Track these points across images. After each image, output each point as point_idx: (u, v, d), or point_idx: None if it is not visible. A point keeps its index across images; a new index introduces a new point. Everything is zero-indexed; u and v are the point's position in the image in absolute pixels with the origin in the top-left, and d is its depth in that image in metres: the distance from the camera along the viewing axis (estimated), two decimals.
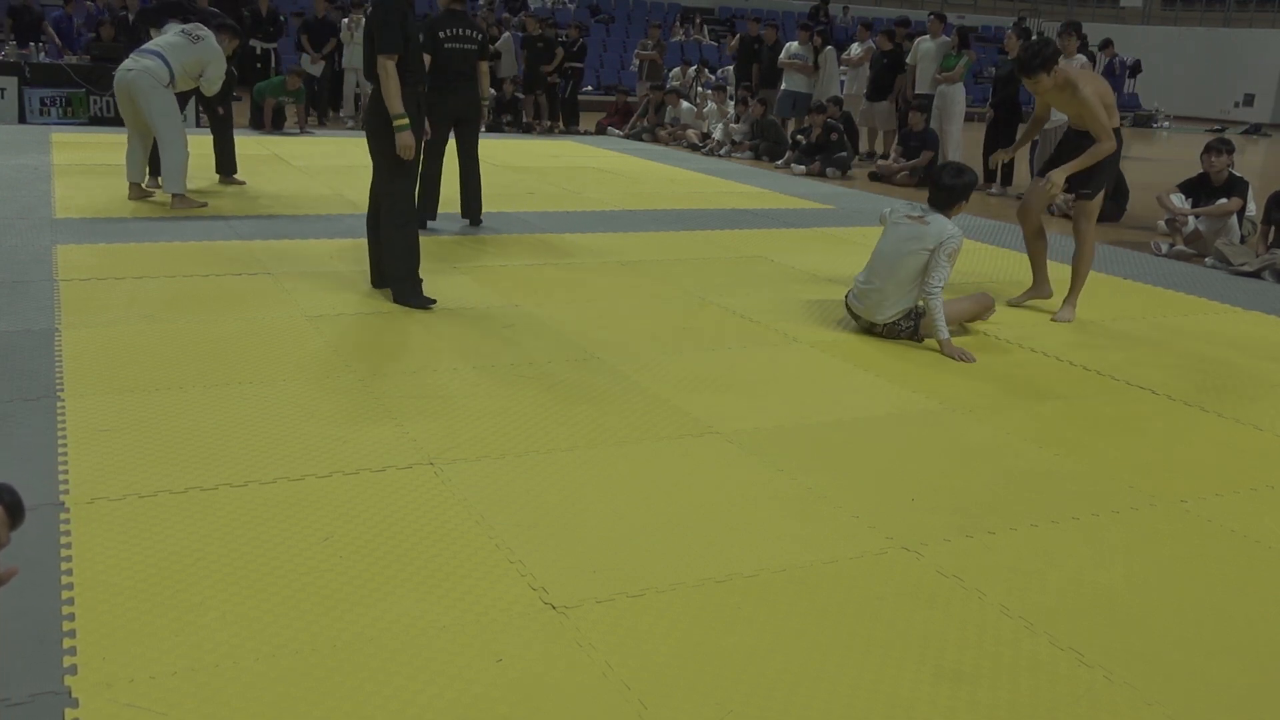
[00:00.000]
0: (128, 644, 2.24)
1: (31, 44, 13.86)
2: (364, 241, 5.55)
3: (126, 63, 7.17)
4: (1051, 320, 5.46)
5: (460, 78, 6.93)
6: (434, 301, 5.15)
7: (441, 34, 6.85)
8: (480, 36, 7.15)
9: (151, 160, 7.71)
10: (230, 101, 8.56)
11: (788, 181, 10.77)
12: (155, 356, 4.14)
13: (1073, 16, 23.60)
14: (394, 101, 4.88)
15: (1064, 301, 5.59)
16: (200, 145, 8.43)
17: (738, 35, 14.61)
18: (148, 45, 7.25)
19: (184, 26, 7.32)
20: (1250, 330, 5.54)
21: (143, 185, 7.62)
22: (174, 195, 7.31)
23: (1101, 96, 5.28)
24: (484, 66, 7.32)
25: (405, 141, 4.94)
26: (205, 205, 7.46)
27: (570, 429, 3.61)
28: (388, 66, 4.88)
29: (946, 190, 4.88)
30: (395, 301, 5.13)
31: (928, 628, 2.49)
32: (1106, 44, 17.70)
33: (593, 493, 3.11)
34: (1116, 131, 5.34)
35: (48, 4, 16.33)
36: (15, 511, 1.37)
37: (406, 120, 4.91)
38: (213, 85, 7.40)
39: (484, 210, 7.50)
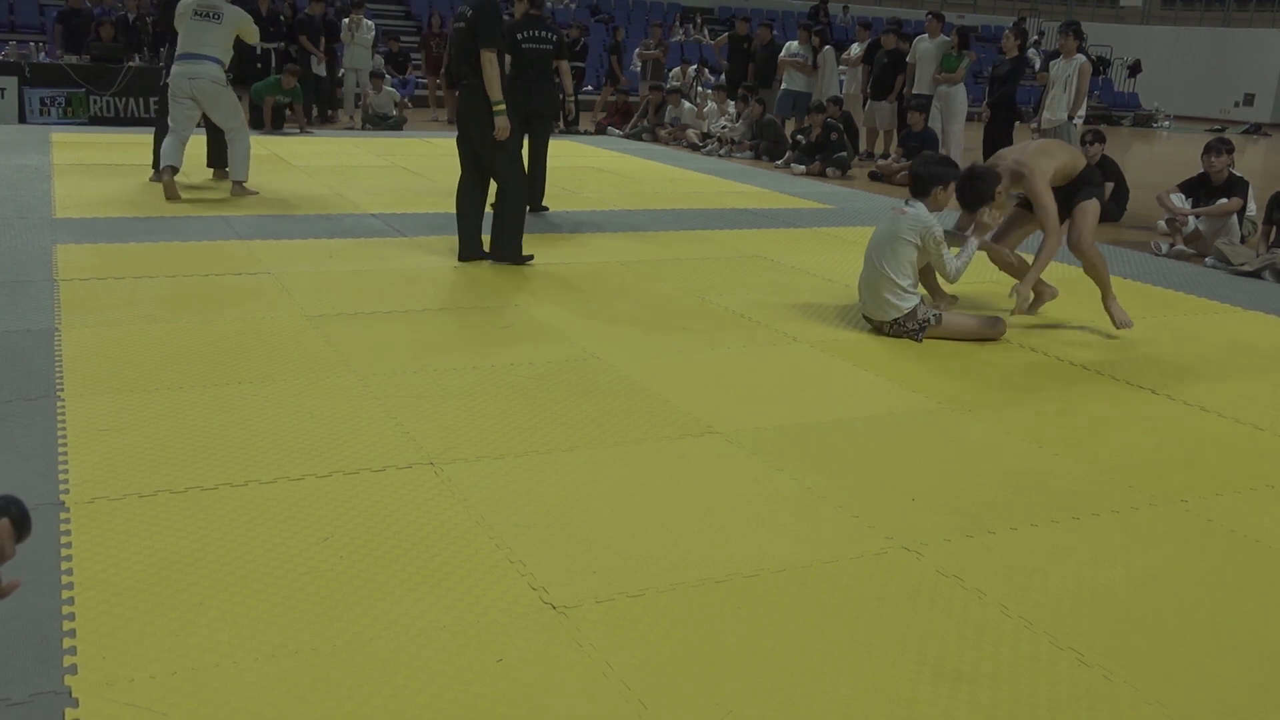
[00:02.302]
0: (128, 643, 2.24)
1: (32, 44, 13.85)
2: (363, 241, 5.90)
3: (184, 69, 7.43)
4: (1117, 329, 5.22)
5: (537, 76, 7.55)
6: (531, 258, 6.09)
7: (520, 35, 7.40)
8: (555, 37, 7.65)
9: (215, 153, 8.48)
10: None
11: (788, 181, 10.77)
12: (155, 356, 4.14)
13: (1073, 16, 23.61)
14: (494, 89, 5.62)
15: (1108, 310, 5.30)
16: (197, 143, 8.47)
17: (725, 35, 14.62)
18: (189, 50, 7.44)
19: (196, 8, 7.47)
20: (1250, 330, 5.54)
21: (175, 175, 7.83)
22: (237, 182, 7.87)
23: (1064, 168, 5.13)
24: (564, 65, 7.94)
25: (502, 124, 5.70)
26: (258, 193, 7.90)
27: (570, 429, 3.61)
28: (490, 58, 5.60)
29: (919, 178, 5.00)
30: (500, 261, 6.00)
31: (928, 628, 2.49)
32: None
33: (593, 493, 3.11)
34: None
35: (48, 4, 16.35)
36: (21, 524, 1.37)
37: (504, 106, 5.69)
38: (254, 36, 7.87)
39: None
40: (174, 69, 7.51)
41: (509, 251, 6.07)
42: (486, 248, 6.15)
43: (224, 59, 7.60)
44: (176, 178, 7.72)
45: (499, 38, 5.70)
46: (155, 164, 8.33)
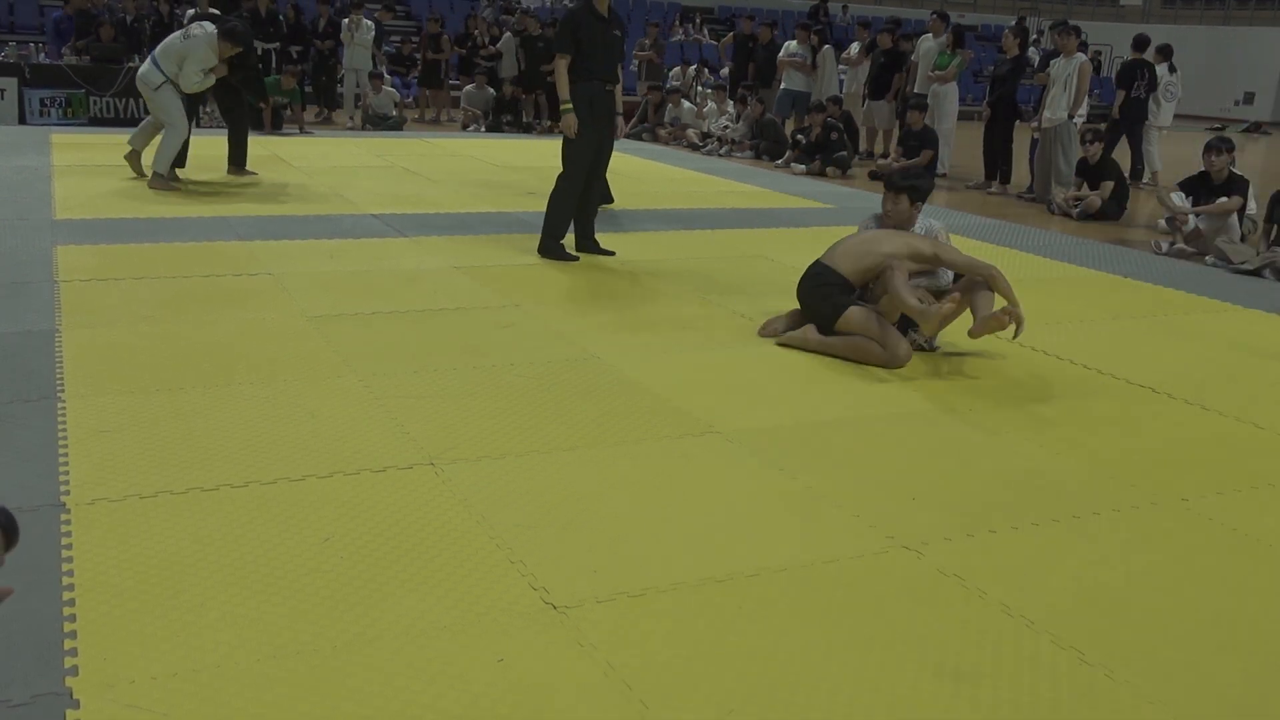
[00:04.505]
0: (129, 645, 2.24)
1: (32, 45, 13.84)
2: (364, 241, 6.10)
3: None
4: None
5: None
6: (577, 258, 6.33)
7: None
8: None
9: (234, 153, 8.89)
10: (244, 101, 9.05)
11: (788, 181, 10.77)
12: (155, 357, 4.14)
13: (1072, 15, 23.60)
14: (561, 90, 6.15)
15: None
16: (215, 145, 8.51)
17: (731, 33, 14.63)
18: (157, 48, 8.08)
19: (191, 24, 8.03)
20: (1250, 328, 5.54)
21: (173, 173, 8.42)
22: (155, 174, 8.05)
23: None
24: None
25: (566, 123, 6.14)
26: (180, 188, 8.09)
27: (570, 429, 3.61)
28: (559, 64, 6.14)
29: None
30: (539, 253, 6.32)
31: (928, 627, 2.49)
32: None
33: (593, 493, 3.11)
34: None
35: (47, 4, 16.34)
36: (10, 532, 1.38)
37: (569, 105, 6.12)
38: (186, 81, 7.92)
39: (482, 210, 7.70)
40: None
41: (547, 244, 6.35)
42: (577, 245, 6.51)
43: (165, 69, 7.85)
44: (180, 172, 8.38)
45: (569, 45, 6.11)
46: (233, 159, 8.97)
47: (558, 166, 6.35)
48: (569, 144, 6.26)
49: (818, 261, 4.82)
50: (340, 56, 14.18)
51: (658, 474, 3.27)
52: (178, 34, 8.07)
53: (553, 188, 6.39)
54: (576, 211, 6.47)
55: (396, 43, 17.60)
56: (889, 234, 4.81)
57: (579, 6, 6.21)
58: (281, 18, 13.88)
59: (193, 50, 7.81)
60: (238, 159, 8.92)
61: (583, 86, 6.13)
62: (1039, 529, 3.04)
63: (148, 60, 8.03)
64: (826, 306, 4.59)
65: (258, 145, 9.47)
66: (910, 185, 4.90)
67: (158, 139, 8.19)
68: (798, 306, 4.87)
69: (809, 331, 4.65)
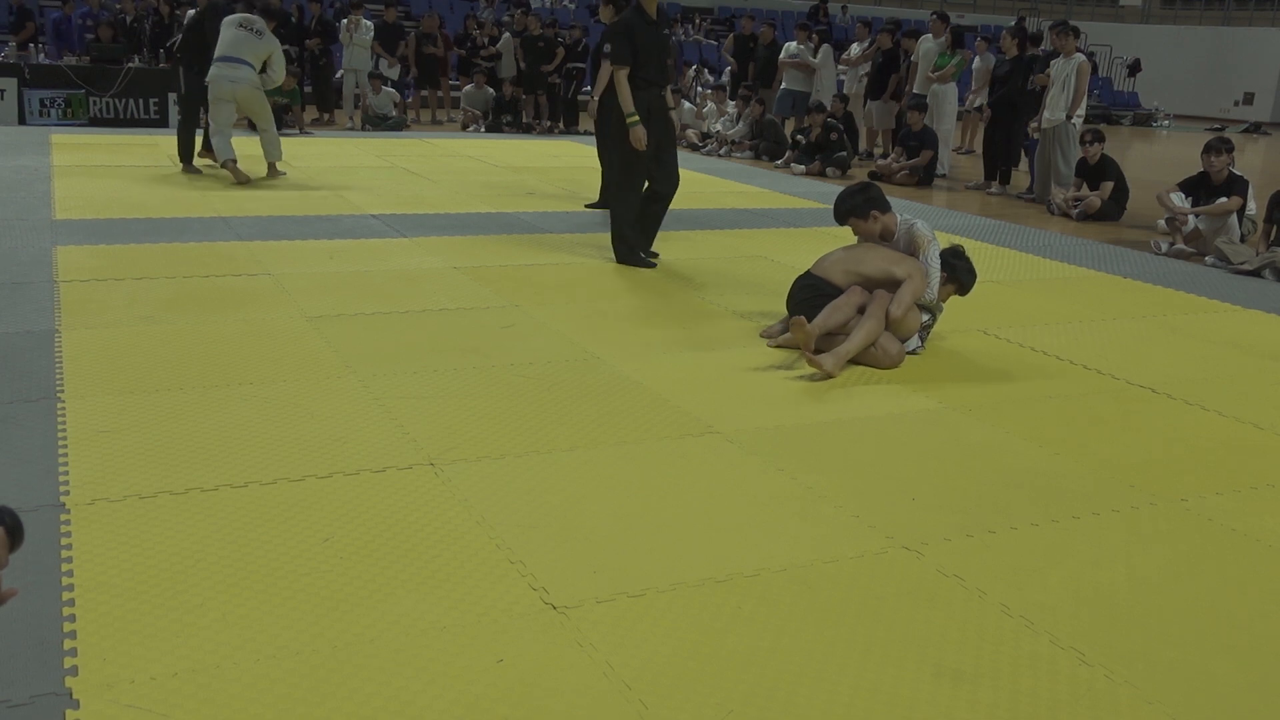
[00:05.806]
0: (128, 645, 2.24)
1: (31, 45, 13.86)
2: (364, 242, 6.16)
3: (225, 71, 8.32)
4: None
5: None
6: (653, 263, 6.21)
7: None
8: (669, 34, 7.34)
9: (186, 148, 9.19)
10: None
11: (788, 181, 10.77)
12: (155, 358, 4.14)
13: (1073, 16, 23.63)
14: (625, 103, 5.90)
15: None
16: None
17: (732, 35, 14.65)
18: (230, 53, 8.33)
19: (241, 20, 8.39)
20: (1250, 329, 5.54)
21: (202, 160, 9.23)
22: (273, 164, 8.87)
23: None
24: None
25: (635, 136, 5.92)
26: (285, 174, 9.02)
27: (570, 429, 3.61)
28: (618, 75, 5.88)
29: None
30: (617, 261, 6.22)
31: (928, 627, 2.49)
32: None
33: (593, 493, 3.11)
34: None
35: (47, 4, 16.34)
36: (15, 533, 1.38)
37: (636, 118, 5.91)
38: (279, 77, 8.67)
39: (482, 210, 7.70)
40: (214, 70, 8.35)
41: (621, 250, 6.30)
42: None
43: (257, 68, 8.44)
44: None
45: (627, 55, 5.91)
46: (183, 156, 9.19)
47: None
48: (625, 151, 6.06)
49: (808, 273, 4.84)
50: (333, 55, 14.18)
51: (658, 474, 3.28)
52: (244, 32, 8.34)
53: (615, 200, 6.31)
54: (641, 224, 6.31)
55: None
56: (871, 252, 4.77)
57: (630, 14, 6.04)
58: (292, 19, 13.88)
59: (273, 44, 8.43)
60: (191, 154, 9.31)
61: (640, 95, 5.96)
62: (1039, 529, 3.04)
63: (240, 66, 8.32)
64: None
65: (258, 145, 9.46)
66: (846, 211, 4.91)
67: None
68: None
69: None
